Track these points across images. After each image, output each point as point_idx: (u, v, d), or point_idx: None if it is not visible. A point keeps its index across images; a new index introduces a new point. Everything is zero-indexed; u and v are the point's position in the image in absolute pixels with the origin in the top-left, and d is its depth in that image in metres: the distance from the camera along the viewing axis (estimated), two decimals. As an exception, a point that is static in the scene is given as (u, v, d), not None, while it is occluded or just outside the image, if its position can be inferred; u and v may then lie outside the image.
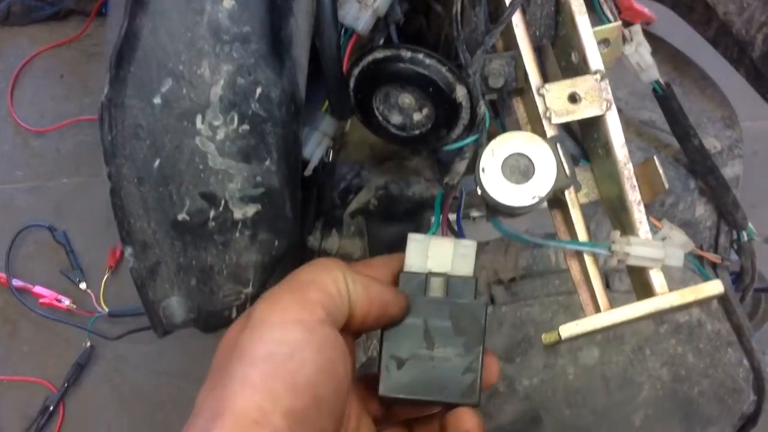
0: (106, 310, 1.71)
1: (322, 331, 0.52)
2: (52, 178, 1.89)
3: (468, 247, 0.62)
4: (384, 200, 0.83)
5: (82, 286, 1.75)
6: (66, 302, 1.73)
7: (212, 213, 0.63)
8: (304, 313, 0.52)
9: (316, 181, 0.79)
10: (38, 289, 1.74)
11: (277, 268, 0.66)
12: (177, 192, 0.62)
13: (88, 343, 1.71)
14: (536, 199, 0.56)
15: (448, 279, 0.61)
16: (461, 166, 0.62)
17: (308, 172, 0.72)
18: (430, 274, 0.61)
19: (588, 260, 0.60)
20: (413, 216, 0.84)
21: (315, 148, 0.72)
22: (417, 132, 0.66)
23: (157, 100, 0.59)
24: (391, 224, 0.83)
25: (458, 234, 0.64)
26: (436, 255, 0.61)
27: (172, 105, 0.60)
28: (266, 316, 0.53)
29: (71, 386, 1.68)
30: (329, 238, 0.81)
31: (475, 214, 0.78)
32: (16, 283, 1.74)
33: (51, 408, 1.65)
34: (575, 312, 0.81)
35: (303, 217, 0.77)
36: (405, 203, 0.83)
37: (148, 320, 0.68)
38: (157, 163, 0.61)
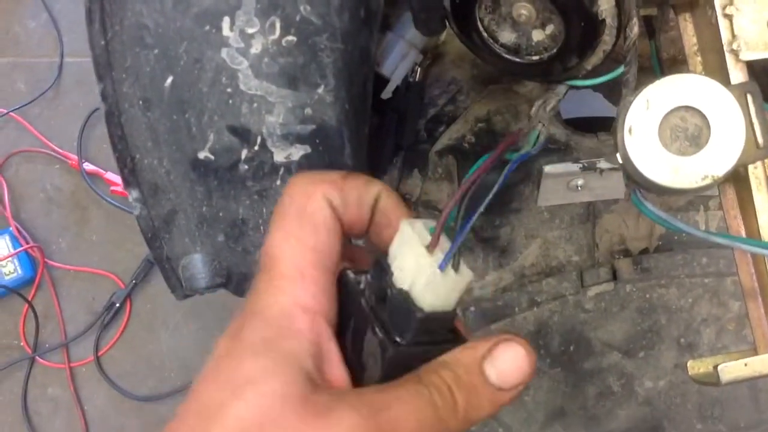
0: (181, 205, 1.60)
1: None
2: (135, 54, 1.76)
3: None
4: (483, 137, 0.72)
5: (157, 176, 1.64)
6: (139, 192, 1.62)
7: (244, 153, 0.52)
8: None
9: (398, 105, 0.68)
10: (110, 175, 1.63)
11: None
12: (197, 122, 0.51)
13: (160, 239, 1.61)
14: (708, 180, 0.41)
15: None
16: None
17: (387, 94, 0.63)
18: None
19: (772, 268, 0.43)
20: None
21: (398, 63, 0.62)
22: (536, 57, 0.51)
23: (169, -7, 0.46)
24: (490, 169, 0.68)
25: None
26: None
27: (190, 0, 0.47)
28: None
29: (140, 283, 1.59)
30: (409, 179, 0.72)
31: (603, 165, 0.61)
32: (88, 167, 1.64)
33: (117, 305, 1.57)
34: (725, 301, 0.66)
35: (377, 153, 0.67)
36: (511, 143, 0.68)
37: (164, 280, 0.56)
38: (169, 81, 0.50)
